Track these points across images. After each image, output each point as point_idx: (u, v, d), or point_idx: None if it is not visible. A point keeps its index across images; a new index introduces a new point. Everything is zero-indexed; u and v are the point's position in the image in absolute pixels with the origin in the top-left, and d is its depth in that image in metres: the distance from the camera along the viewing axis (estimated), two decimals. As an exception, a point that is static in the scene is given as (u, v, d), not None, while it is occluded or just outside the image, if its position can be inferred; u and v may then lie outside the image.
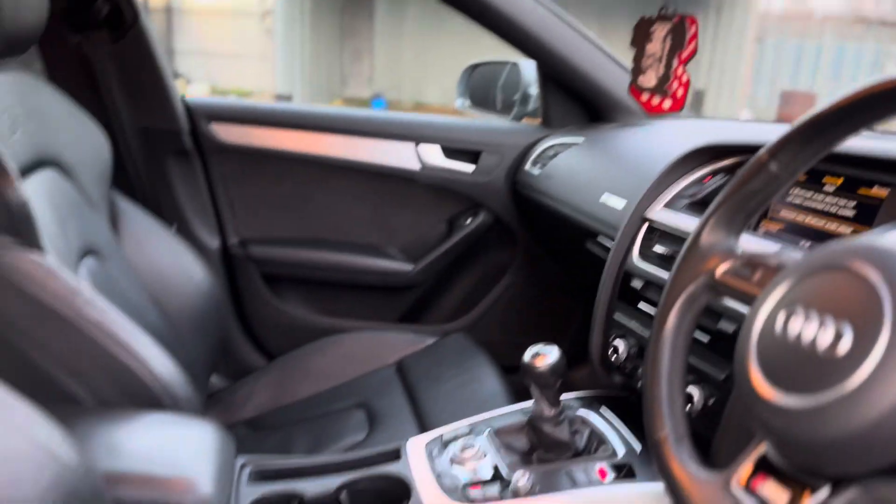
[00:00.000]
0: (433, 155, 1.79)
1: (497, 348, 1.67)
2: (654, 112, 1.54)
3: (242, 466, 1.05)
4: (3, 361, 1.02)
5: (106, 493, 0.79)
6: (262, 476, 1.05)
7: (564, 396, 1.13)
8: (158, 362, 1.10)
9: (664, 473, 0.67)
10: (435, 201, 1.84)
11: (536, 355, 1.01)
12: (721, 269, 0.70)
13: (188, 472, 0.92)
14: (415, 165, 1.79)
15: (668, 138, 1.45)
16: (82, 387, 1.05)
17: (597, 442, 1.05)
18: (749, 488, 0.56)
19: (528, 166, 1.76)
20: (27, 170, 1.22)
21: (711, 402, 0.96)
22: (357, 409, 1.53)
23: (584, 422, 1.09)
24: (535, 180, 1.71)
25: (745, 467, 0.57)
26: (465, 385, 1.51)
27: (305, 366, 1.65)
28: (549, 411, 1.03)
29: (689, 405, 0.98)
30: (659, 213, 1.19)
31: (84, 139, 1.42)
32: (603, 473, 0.99)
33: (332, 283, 1.85)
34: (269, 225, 1.81)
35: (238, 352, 1.78)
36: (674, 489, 0.64)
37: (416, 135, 1.76)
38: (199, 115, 1.72)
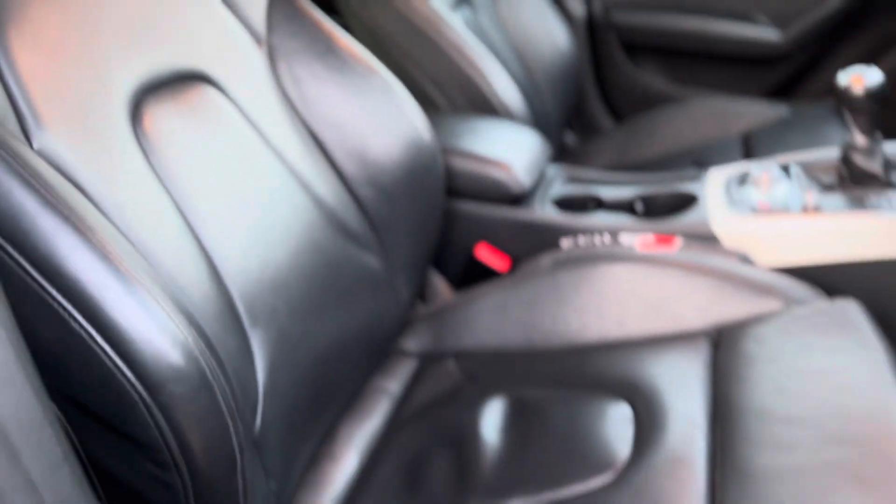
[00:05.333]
0: None
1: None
2: None
3: (557, 172, 1.23)
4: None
5: (441, 160, 1.04)
6: (571, 179, 1.21)
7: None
8: (501, 82, 1.30)
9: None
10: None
11: (853, 77, 0.94)
12: None
13: (506, 159, 1.13)
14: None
15: None
16: (441, 95, 1.32)
17: (916, 178, 0.96)
18: None
19: None
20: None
21: None
22: (690, 165, 1.57)
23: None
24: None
25: None
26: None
27: (651, 129, 1.72)
28: (861, 141, 0.96)
29: None
30: None
31: None
32: (910, 203, 0.91)
33: (691, 53, 1.83)
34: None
35: (591, 113, 1.91)
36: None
37: None
38: None
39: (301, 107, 0.94)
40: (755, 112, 1.64)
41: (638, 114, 1.78)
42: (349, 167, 0.95)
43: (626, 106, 1.89)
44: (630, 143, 1.72)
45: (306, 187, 0.88)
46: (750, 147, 1.56)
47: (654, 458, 0.75)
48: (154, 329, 0.53)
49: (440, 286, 1.15)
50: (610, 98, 1.92)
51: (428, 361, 1.04)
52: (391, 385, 1.00)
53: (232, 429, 0.58)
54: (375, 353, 1.00)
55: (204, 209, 0.74)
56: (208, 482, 0.57)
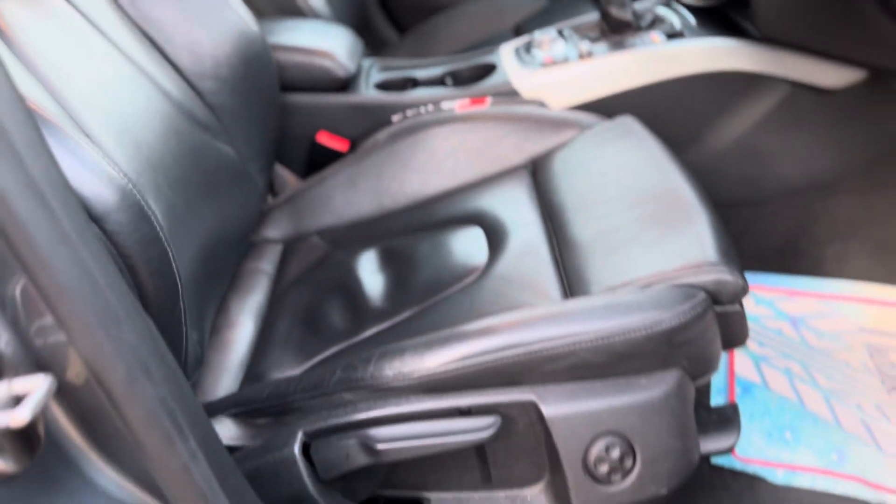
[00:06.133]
0: None
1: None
2: None
3: (371, 63, 1.35)
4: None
5: (272, 54, 1.12)
6: (385, 68, 1.34)
7: None
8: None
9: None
10: None
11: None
12: None
13: (329, 48, 1.23)
14: None
15: None
16: (250, 6, 1.37)
17: (655, 19, 1.21)
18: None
19: None
20: None
21: None
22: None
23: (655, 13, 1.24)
24: None
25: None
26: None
27: (435, 34, 1.89)
28: (614, -6, 1.19)
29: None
30: None
31: None
32: (656, 39, 1.16)
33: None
34: None
35: (377, 28, 2.05)
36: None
37: None
38: None
39: (128, 7, 0.97)
40: (519, 6, 1.86)
41: (419, 23, 1.94)
42: (185, 62, 1.00)
43: (407, 17, 2.04)
44: (420, 48, 1.87)
45: (153, 81, 0.93)
46: (522, 35, 1.78)
47: (508, 253, 0.92)
48: (85, 169, 0.59)
49: (287, 178, 1.24)
50: (392, 11, 2.06)
51: (292, 243, 1.13)
52: (264, 266, 1.09)
53: (171, 255, 0.64)
54: (245, 240, 1.08)
55: (74, 98, 0.77)
56: (157, 309, 0.64)
